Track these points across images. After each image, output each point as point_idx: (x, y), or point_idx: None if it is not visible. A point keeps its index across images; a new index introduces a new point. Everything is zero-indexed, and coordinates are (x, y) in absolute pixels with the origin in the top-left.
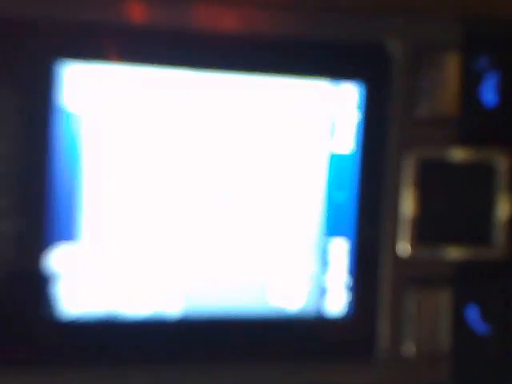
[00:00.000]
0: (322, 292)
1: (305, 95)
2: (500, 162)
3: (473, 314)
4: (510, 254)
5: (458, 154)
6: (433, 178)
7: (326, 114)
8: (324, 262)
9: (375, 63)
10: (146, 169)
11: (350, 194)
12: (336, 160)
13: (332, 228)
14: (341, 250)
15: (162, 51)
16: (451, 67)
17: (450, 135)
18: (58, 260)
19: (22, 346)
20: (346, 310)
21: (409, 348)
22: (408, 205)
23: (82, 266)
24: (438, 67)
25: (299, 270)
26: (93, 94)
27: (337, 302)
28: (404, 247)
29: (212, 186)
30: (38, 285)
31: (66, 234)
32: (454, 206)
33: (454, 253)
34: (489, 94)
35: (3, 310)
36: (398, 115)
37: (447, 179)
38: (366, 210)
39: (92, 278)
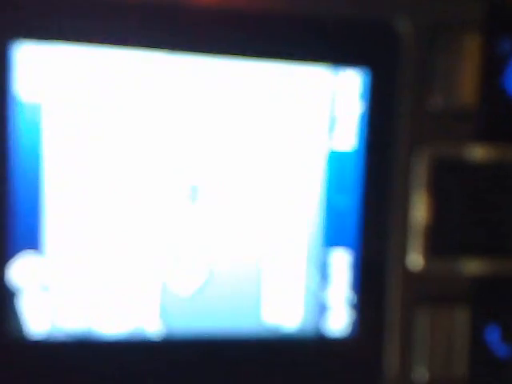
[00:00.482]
0: (322, 309)
1: (301, 83)
2: None
3: (492, 335)
4: None
5: (478, 152)
6: (448, 180)
7: (325, 105)
8: (324, 276)
9: (381, 46)
10: (113, 163)
11: (352, 198)
12: (336, 158)
13: (332, 237)
14: (343, 262)
15: (130, 30)
16: (470, 50)
17: (468, 130)
18: (21, 272)
19: None
20: (349, 329)
21: (420, 373)
22: (420, 211)
23: (49, 279)
24: (454, 50)
25: (296, 284)
26: (50, 79)
27: (338, 321)
28: (415, 260)
29: (196, 192)
30: (2, 299)
31: (30, 242)
32: (472, 212)
33: (472, 266)
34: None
35: None
36: (408, 106)
37: (465, 181)
38: (371, 216)
39: (60, 292)
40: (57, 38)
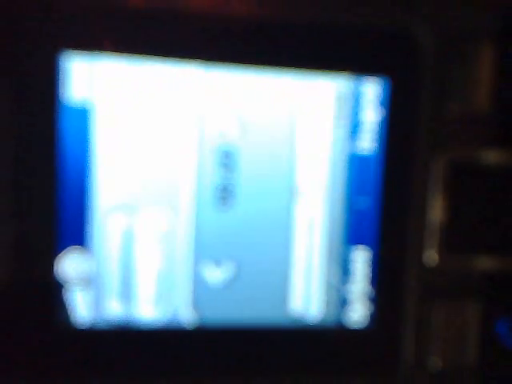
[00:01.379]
0: (343, 302)
1: (322, 89)
2: None
3: (503, 328)
4: None
5: (493, 156)
6: (464, 182)
7: (347, 111)
8: (345, 272)
9: (401, 54)
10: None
11: (372, 199)
12: (358, 161)
13: (354, 236)
14: (363, 259)
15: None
16: (486, 59)
17: (483, 135)
18: (68, 267)
19: (36, 353)
20: (368, 321)
21: (434, 363)
22: (436, 211)
23: (94, 273)
24: (471, 59)
25: (320, 278)
26: (99, 86)
27: (358, 313)
28: (431, 256)
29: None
30: (51, 292)
31: (76, 239)
32: (486, 212)
33: (485, 263)
34: None
35: (16, 317)
36: (426, 112)
37: (479, 183)
38: (390, 216)
39: (103, 284)
40: (105, 50)
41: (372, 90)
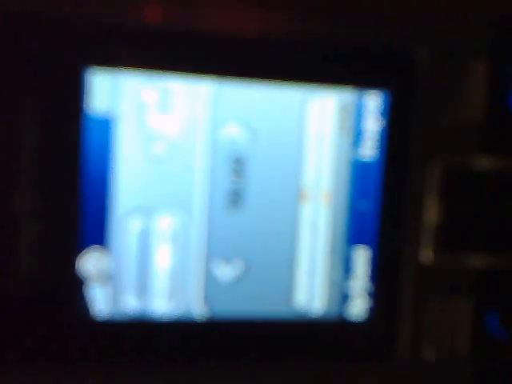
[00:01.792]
0: (345, 297)
1: (328, 101)
2: None
3: (493, 321)
4: None
5: (484, 162)
6: (457, 186)
7: (351, 121)
8: (347, 269)
9: (400, 70)
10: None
11: (373, 202)
12: (360, 167)
13: (355, 236)
14: (363, 257)
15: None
16: (478, 75)
17: (476, 143)
18: (91, 264)
19: (60, 342)
20: (367, 315)
21: (429, 353)
22: (432, 213)
23: (112, 269)
24: (464, 75)
25: (323, 275)
26: (120, 99)
27: (358, 307)
28: (426, 255)
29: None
30: (73, 287)
31: (97, 239)
32: (478, 214)
33: (477, 261)
34: None
35: (42, 310)
36: (423, 122)
37: (471, 187)
38: (389, 218)
39: (121, 280)
40: (124, 65)
41: (373, 102)
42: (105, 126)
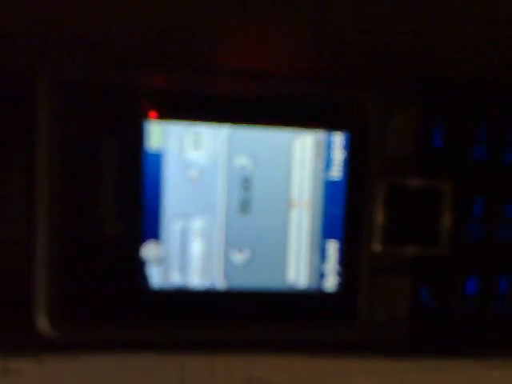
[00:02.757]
0: (321, 276)
1: (308, 138)
2: (445, 187)
3: (425, 294)
4: (452, 252)
5: (415, 182)
6: (397, 199)
7: (323, 152)
8: (322, 256)
9: (356, 118)
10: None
11: (340, 208)
12: (330, 184)
13: (328, 232)
14: (334, 248)
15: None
16: (412, 118)
17: (410, 168)
18: (150, 251)
19: (126, 308)
20: (337, 288)
21: (379, 315)
22: (380, 217)
23: (164, 255)
24: (401, 118)
25: (306, 260)
26: (168, 139)
27: (331, 283)
28: (377, 246)
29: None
30: (138, 266)
31: (154, 235)
32: (412, 218)
33: (412, 251)
34: (437, 137)
35: (117, 282)
36: (372, 153)
37: (408, 199)
38: (351, 219)
39: (170, 262)
40: (173, 119)
41: (338, 139)
42: (158, 158)
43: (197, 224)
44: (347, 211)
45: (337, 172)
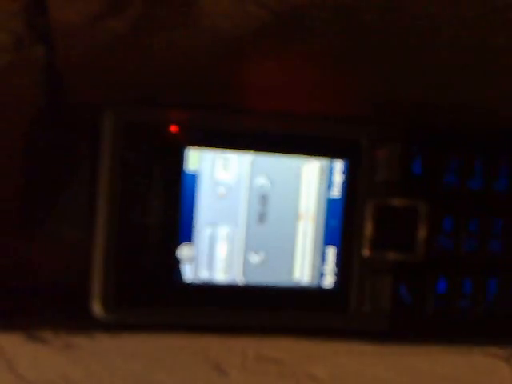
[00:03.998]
0: (322, 275)
1: (314, 164)
2: (422, 207)
3: (404, 291)
4: (426, 258)
5: (398, 202)
6: (383, 214)
7: (326, 175)
8: (323, 259)
9: (353, 150)
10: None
11: (338, 221)
12: (332, 202)
13: (328, 240)
14: (333, 253)
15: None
16: (397, 150)
17: (394, 190)
18: (184, 252)
19: (163, 299)
20: (334, 285)
21: (367, 308)
22: (368, 228)
23: (195, 255)
24: (389, 149)
25: (310, 262)
26: (203, 162)
27: (329, 281)
28: (365, 251)
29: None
30: (174, 264)
31: (188, 239)
32: (394, 230)
33: (394, 256)
34: (417, 166)
35: (157, 277)
36: (364, 178)
37: (391, 215)
38: (346, 230)
39: (200, 261)
40: (207, 147)
41: (338, 166)
42: (194, 178)
43: (222, 231)
44: (343, 223)
45: (336, 192)
